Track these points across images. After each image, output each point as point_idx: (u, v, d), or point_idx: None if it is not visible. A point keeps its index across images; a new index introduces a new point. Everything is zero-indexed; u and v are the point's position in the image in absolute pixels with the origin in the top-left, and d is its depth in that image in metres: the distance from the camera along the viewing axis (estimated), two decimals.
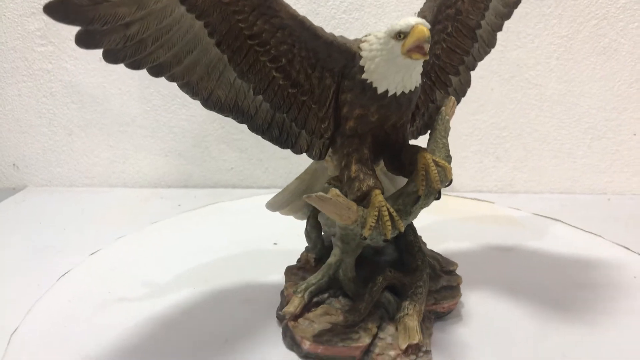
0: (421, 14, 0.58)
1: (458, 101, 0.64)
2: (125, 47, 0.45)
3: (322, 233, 0.68)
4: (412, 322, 0.56)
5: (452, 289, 0.65)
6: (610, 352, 0.59)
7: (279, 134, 0.56)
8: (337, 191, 0.51)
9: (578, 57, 1.06)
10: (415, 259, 0.63)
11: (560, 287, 0.73)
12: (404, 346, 0.54)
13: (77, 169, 1.20)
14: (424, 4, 0.60)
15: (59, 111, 1.16)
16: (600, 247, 0.86)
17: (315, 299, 0.61)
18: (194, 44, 0.49)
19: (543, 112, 1.10)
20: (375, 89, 0.52)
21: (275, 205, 0.70)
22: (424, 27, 0.47)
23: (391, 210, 0.53)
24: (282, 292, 0.67)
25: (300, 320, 0.59)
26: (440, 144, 0.58)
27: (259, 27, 0.50)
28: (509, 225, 0.96)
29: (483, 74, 1.08)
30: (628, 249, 0.84)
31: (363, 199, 0.54)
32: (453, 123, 1.11)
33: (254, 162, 1.17)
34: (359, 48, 0.52)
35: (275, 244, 0.87)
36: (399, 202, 0.56)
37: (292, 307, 0.59)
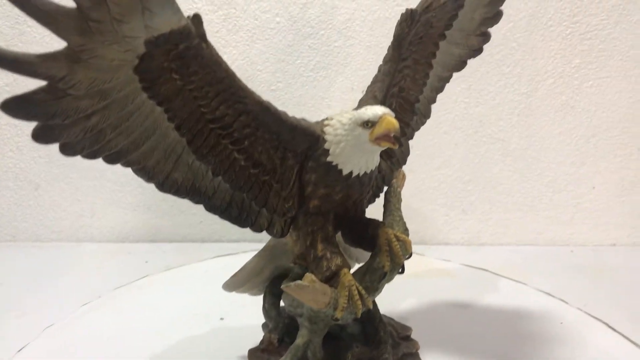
0: (371, 94, 0.60)
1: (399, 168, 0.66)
2: (84, 139, 0.45)
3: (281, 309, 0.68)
4: None
5: (412, 356, 0.66)
6: None
7: (238, 214, 0.55)
8: (312, 276, 0.52)
9: (537, 114, 1.11)
10: (378, 330, 0.63)
11: (509, 340, 0.74)
12: None
13: (44, 224, 1.19)
14: (373, 83, 0.62)
15: (25, 165, 1.15)
16: (528, 295, 0.89)
17: None
18: (152, 129, 0.48)
19: (506, 166, 1.13)
20: (341, 170, 0.53)
21: (232, 285, 0.69)
22: (392, 117, 0.50)
23: (360, 288, 0.54)
24: None
25: None
26: (397, 217, 0.59)
27: (221, 111, 0.50)
28: (442, 276, 0.98)
29: (447, 129, 1.12)
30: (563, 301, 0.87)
31: (331, 278, 0.54)
32: (420, 176, 1.15)
33: None
34: (323, 132, 0.53)
35: (222, 319, 0.82)
36: (366, 279, 0.57)
37: None
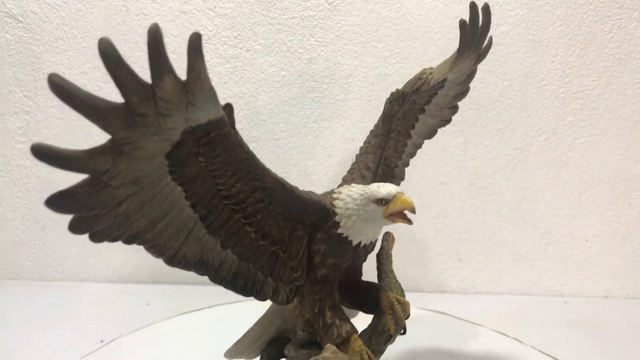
0: (364, 164, 0.65)
1: None
2: (113, 224, 0.45)
3: None
4: None
5: None
6: None
7: (244, 284, 0.56)
8: (334, 347, 0.54)
9: (532, 168, 1.14)
10: None
11: None
12: None
13: (48, 263, 1.21)
14: (364, 154, 0.67)
15: (33, 206, 1.18)
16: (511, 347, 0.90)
17: None
18: (170, 208, 0.49)
19: (501, 218, 1.16)
20: (351, 241, 0.56)
21: (234, 353, 0.70)
22: (406, 197, 0.54)
23: (369, 352, 0.57)
24: None
25: None
26: (392, 279, 0.63)
27: (237, 188, 0.51)
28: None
29: (445, 180, 1.15)
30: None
31: (341, 344, 0.57)
32: (418, 224, 1.18)
33: None
34: (332, 205, 0.56)
35: None
36: (372, 342, 0.60)
37: None
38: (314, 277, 0.58)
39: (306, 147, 1.14)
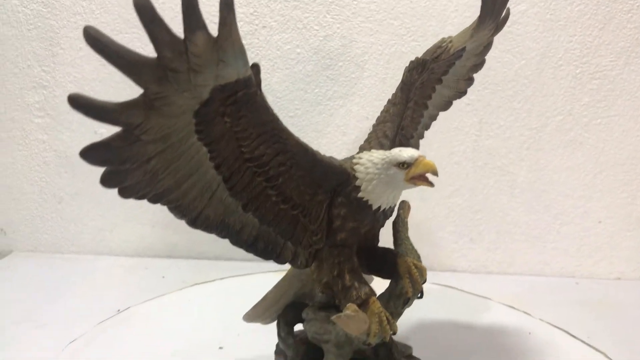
0: (382, 132, 0.66)
1: None
2: (142, 181, 0.46)
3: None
4: None
5: None
6: None
7: (264, 247, 0.57)
8: (355, 306, 0.55)
9: (546, 148, 1.14)
10: (392, 352, 0.67)
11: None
12: None
13: (64, 237, 1.23)
14: (382, 123, 0.67)
15: (51, 179, 1.20)
16: (530, 324, 0.91)
17: None
18: (195, 168, 0.49)
19: (514, 198, 1.16)
20: (371, 205, 0.57)
21: (252, 316, 0.71)
22: (428, 160, 0.54)
23: (387, 314, 0.58)
24: None
25: None
26: (408, 245, 0.64)
27: (260, 150, 0.51)
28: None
29: (459, 160, 1.15)
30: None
31: (361, 306, 0.57)
32: (431, 204, 1.18)
33: None
34: (353, 169, 0.57)
35: (221, 348, 0.82)
36: (391, 305, 0.61)
37: None
38: (333, 240, 0.59)
39: (321, 124, 1.15)
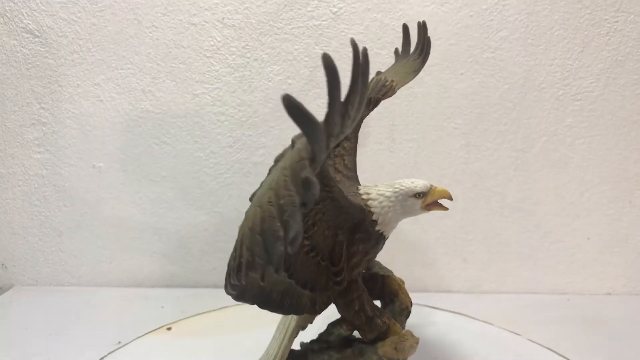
0: (342, 165, 0.69)
1: None
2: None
3: None
4: None
5: None
6: None
7: (290, 303, 0.56)
8: (410, 332, 0.60)
9: (533, 169, 1.17)
10: None
11: None
12: None
13: (65, 269, 1.25)
14: (345, 156, 0.71)
15: (50, 214, 1.23)
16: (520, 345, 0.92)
17: None
18: None
19: (504, 218, 1.19)
20: (385, 236, 0.61)
21: None
22: (441, 187, 0.60)
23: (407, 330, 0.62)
24: None
25: None
26: (381, 264, 0.67)
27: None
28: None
29: (448, 182, 1.18)
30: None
31: (385, 332, 0.61)
32: (423, 226, 1.20)
33: None
34: (367, 205, 0.59)
35: None
36: (397, 321, 0.65)
37: None
38: (349, 276, 0.60)
39: None
